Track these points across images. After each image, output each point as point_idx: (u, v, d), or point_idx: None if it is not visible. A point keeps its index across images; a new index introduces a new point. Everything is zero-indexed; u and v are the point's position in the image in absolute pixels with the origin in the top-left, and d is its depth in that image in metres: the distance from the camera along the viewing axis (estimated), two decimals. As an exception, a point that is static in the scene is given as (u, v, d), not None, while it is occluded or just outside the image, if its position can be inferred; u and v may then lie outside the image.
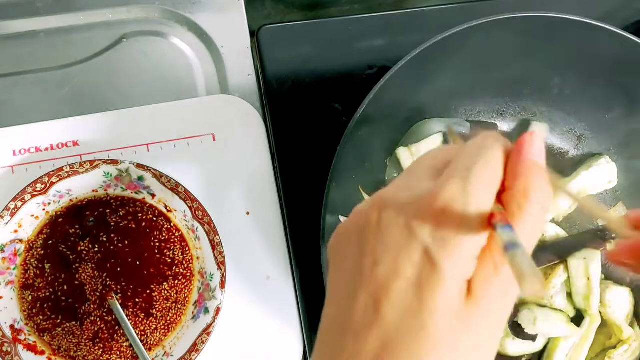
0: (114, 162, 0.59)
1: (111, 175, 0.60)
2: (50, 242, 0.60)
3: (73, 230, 0.60)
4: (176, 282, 0.60)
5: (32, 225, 0.59)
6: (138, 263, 0.60)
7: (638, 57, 0.61)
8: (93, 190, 0.60)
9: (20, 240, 0.59)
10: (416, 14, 0.72)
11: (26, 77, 0.66)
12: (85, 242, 0.60)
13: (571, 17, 0.59)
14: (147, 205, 0.61)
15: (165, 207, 0.61)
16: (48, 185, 0.58)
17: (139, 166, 0.59)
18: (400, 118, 0.65)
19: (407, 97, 0.64)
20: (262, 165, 0.65)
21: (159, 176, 0.59)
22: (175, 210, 0.61)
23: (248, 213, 0.63)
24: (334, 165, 0.56)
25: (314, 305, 0.62)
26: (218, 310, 0.58)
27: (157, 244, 0.61)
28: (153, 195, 0.61)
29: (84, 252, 0.60)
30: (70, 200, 0.60)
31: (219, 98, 0.67)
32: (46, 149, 0.62)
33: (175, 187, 0.59)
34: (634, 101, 0.65)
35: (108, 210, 0.61)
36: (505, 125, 0.67)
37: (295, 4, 0.80)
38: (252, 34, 0.70)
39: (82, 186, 0.60)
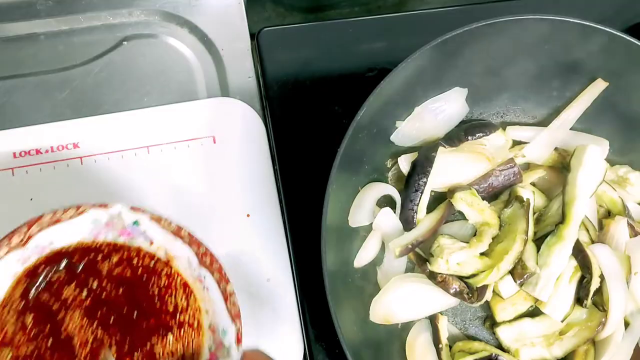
0: (103, 206, 0.51)
1: (101, 222, 0.52)
2: (30, 291, 0.51)
3: (57, 275, 0.52)
4: (182, 332, 0.52)
5: (7, 281, 0.51)
6: (136, 313, 0.52)
7: (638, 59, 0.61)
8: (79, 241, 0.52)
9: None
10: (416, 16, 0.73)
11: (27, 80, 0.66)
12: (71, 286, 0.51)
13: (571, 20, 0.59)
14: (144, 252, 0.53)
15: (166, 254, 0.53)
16: (25, 237, 0.50)
17: (134, 209, 0.51)
18: (400, 120, 0.65)
19: (407, 100, 0.64)
20: (263, 167, 0.65)
21: (157, 220, 0.52)
22: (178, 258, 0.53)
23: (248, 215, 0.63)
24: (334, 167, 0.56)
25: (314, 307, 0.62)
26: None
27: (157, 291, 0.53)
28: (151, 242, 0.53)
29: (70, 299, 0.51)
30: (52, 251, 0.52)
31: (219, 100, 0.67)
32: (46, 151, 0.62)
33: (177, 231, 0.52)
34: (635, 102, 0.65)
35: (99, 257, 0.52)
36: (504, 126, 0.67)
37: (296, 7, 0.80)
38: (253, 36, 0.70)
39: (66, 235, 0.51)
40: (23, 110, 0.65)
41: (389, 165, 0.66)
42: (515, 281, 0.61)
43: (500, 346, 0.63)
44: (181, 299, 0.53)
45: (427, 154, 0.62)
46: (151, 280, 0.53)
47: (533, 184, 0.66)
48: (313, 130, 0.67)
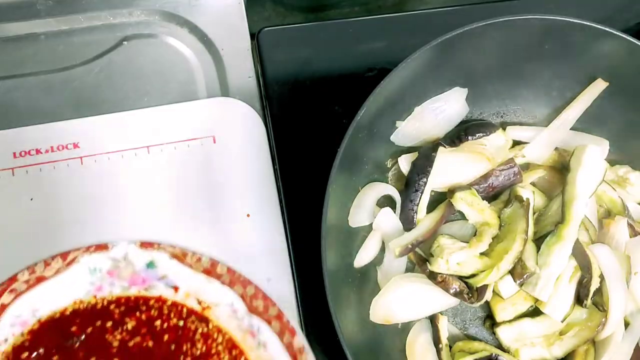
0: (101, 247, 0.38)
1: (101, 271, 0.39)
2: None
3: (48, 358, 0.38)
4: None
5: None
6: None
7: (638, 59, 0.61)
8: (75, 302, 0.39)
9: None
10: (416, 16, 0.73)
11: (27, 80, 0.66)
12: None
13: (571, 20, 0.59)
14: (169, 304, 0.39)
15: (199, 302, 0.40)
16: None
17: (145, 246, 0.39)
18: (400, 120, 0.65)
19: (407, 100, 0.64)
20: (263, 167, 0.65)
21: (180, 256, 0.39)
22: (217, 305, 0.39)
23: (248, 215, 0.63)
24: (334, 167, 0.56)
25: (314, 307, 0.62)
26: None
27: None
28: (175, 288, 0.40)
29: None
30: (39, 321, 0.38)
31: (219, 100, 0.67)
32: (47, 151, 0.62)
33: (210, 269, 0.38)
34: (635, 102, 0.65)
35: (109, 324, 0.39)
36: (504, 126, 0.67)
37: (296, 7, 0.80)
38: (253, 36, 0.70)
39: (55, 298, 0.38)
40: (23, 110, 0.65)
41: (389, 165, 0.66)
42: (515, 281, 0.61)
43: (500, 346, 0.63)
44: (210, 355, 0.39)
45: (427, 154, 0.62)
46: (182, 348, 0.38)
47: (533, 184, 0.66)
48: (313, 130, 0.67)
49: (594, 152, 0.63)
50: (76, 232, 0.62)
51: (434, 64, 0.60)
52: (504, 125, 0.68)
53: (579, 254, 0.61)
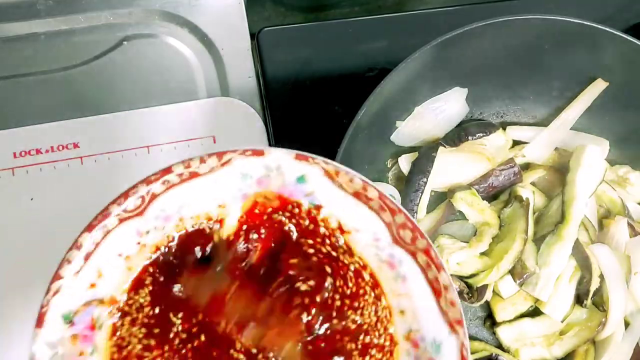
0: (258, 152, 0.36)
1: (252, 177, 0.37)
2: (165, 299, 0.35)
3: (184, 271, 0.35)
4: (361, 343, 0.35)
5: (119, 273, 0.36)
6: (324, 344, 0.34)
7: (638, 59, 0.61)
8: (220, 206, 0.37)
9: (101, 301, 0.35)
10: (416, 16, 0.73)
11: (27, 80, 0.66)
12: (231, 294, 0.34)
13: (571, 20, 0.59)
14: (317, 224, 0.36)
15: (340, 226, 0.37)
16: (147, 200, 0.35)
17: (300, 158, 0.36)
18: (400, 120, 0.65)
19: (407, 100, 0.64)
20: (263, 167, 0.65)
21: (332, 175, 0.36)
22: (357, 231, 0.37)
23: (248, 215, 0.63)
24: (334, 167, 0.56)
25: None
26: None
27: (339, 302, 0.35)
28: (318, 207, 0.37)
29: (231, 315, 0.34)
30: (181, 221, 0.36)
31: (219, 100, 0.67)
32: (47, 151, 0.62)
33: (361, 191, 0.36)
34: (635, 102, 0.65)
35: (252, 235, 0.36)
36: (504, 126, 0.67)
37: (296, 7, 0.80)
38: (253, 36, 0.70)
39: (201, 199, 0.36)
40: (23, 110, 0.65)
41: (389, 165, 0.66)
42: (515, 281, 0.61)
43: (500, 346, 0.63)
44: (370, 312, 0.36)
45: (427, 154, 0.62)
46: (336, 283, 0.35)
47: (533, 184, 0.66)
48: (313, 130, 0.67)
49: (593, 152, 0.63)
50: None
51: (434, 64, 0.60)
52: (504, 125, 0.67)
53: (579, 254, 0.61)
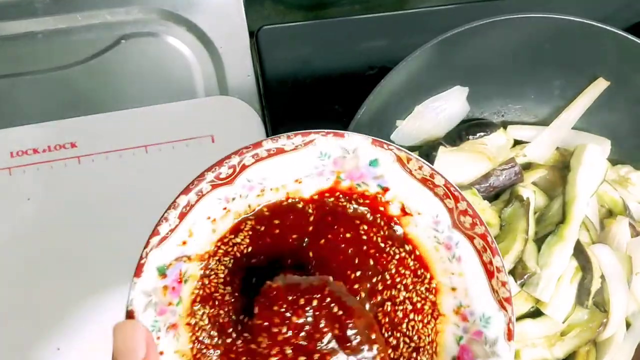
0: (338, 134, 0.40)
1: (330, 157, 0.40)
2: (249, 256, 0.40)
3: (289, 238, 0.40)
4: (407, 310, 0.40)
5: (206, 234, 0.40)
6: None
7: (639, 58, 0.61)
8: (296, 181, 0.41)
9: (189, 258, 0.39)
10: (416, 14, 0.72)
11: (24, 79, 0.66)
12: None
13: (572, 18, 0.59)
14: (379, 207, 0.40)
15: (402, 208, 0.41)
16: (238, 170, 0.39)
17: (375, 143, 0.40)
18: (401, 119, 0.64)
19: (407, 98, 0.63)
20: (262, 166, 0.65)
21: (403, 161, 0.40)
22: (419, 214, 0.40)
23: (247, 215, 0.63)
24: (334, 167, 0.56)
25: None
26: None
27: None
28: (385, 189, 0.41)
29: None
30: (262, 192, 0.40)
31: (218, 99, 0.66)
32: (44, 151, 0.62)
33: (428, 178, 0.40)
34: (636, 101, 0.64)
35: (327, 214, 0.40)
36: (505, 125, 0.67)
37: (295, 5, 0.80)
38: (252, 34, 0.69)
39: (279, 173, 0.40)
40: (20, 110, 0.65)
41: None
42: (516, 281, 0.61)
43: (500, 347, 0.63)
44: (402, 274, 0.40)
45: (427, 154, 0.62)
46: (381, 259, 0.39)
47: (534, 184, 0.66)
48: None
49: (594, 151, 0.62)
50: (74, 232, 0.61)
51: (435, 62, 0.59)
52: (505, 125, 0.67)
53: (580, 255, 0.61)
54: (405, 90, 0.61)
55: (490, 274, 0.39)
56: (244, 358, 0.38)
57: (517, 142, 0.67)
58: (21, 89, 0.66)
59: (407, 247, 0.41)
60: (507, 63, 0.64)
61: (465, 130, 0.63)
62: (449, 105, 0.65)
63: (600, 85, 0.64)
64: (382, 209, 0.41)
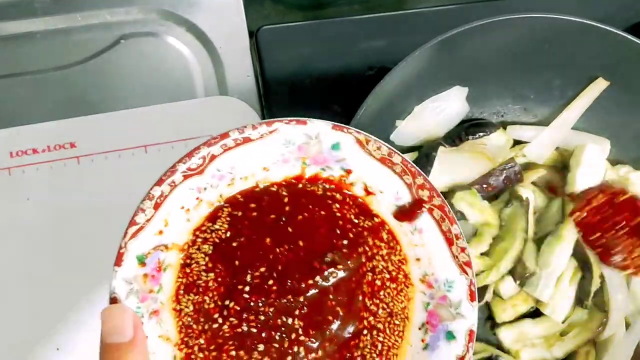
0: (301, 122, 0.42)
1: (294, 144, 0.42)
2: (226, 242, 0.42)
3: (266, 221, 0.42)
4: (382, 285, 0.44)
5: (181, 224, 0.42)
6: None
7: (639, 58, 0.61)
8: (264, 168, 0.43)
9: (166, 247, 0.42)
10: (416, 15, 0.72)
11: (23, 79, 0.66)
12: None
13: (572, 19, 0.59)
14: (344, 190, 0.43)
15: (365, 188, 0.44)
16: (207, 160, 0.41)
17: (337, 128, 0.42)
18: (400, 119, 0.64)
19: (407, 99, 0.63)
20: (261, 167, 0.65)
21: (363, 142, 0.42)
22: (381, 193, 0.43)
23: (247, 215, 0.63)
24: (334, 167, 0.56)
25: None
26: (471, 334, 0.42)
27: (349, 239, 0.43)
28: (348, 171, 0.43)
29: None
30: (232, 181, 0.42)
31: (217, 99, 0.66)
32: (43, 151, 0.62)
33: (387, 157, 0.42)
34: (636, 101, 0.64)
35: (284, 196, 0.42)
36: (505, 126, 0.67)
37: (295, 5, 0.80)
38: (251, 34, 0.69)
39: (247, 162, 0.42)
40: (20, 110, 0.65)
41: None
42: (516, 281, 0.61)
43: (500, 347, 0.63)
44: (378, 246, 0.43)
45: (427, 154, 0.62)
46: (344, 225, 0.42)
47: (534, 184, 0.66)
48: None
49: (594, 151, 0.62)
50: (73, 233, 0.61)
51: (434, 62, 0.59)
52: (504, 125, 0.67)
53: (580, 255, 0.61)
54: (404, 90, 0.61)
55: (449, 242, 0.42)
56: (231, 342, 0.40)
57: (516, 142, 0.67)
58: (21, 89, 0.66)
59: (377, 220, 0.44)
60: (507, 63, 0.64)
61: (464, 131, 0.63)
62: (448, 105, 0.65)
63: (600, 85, 0.64)
64: (347, 191, 0.44)
